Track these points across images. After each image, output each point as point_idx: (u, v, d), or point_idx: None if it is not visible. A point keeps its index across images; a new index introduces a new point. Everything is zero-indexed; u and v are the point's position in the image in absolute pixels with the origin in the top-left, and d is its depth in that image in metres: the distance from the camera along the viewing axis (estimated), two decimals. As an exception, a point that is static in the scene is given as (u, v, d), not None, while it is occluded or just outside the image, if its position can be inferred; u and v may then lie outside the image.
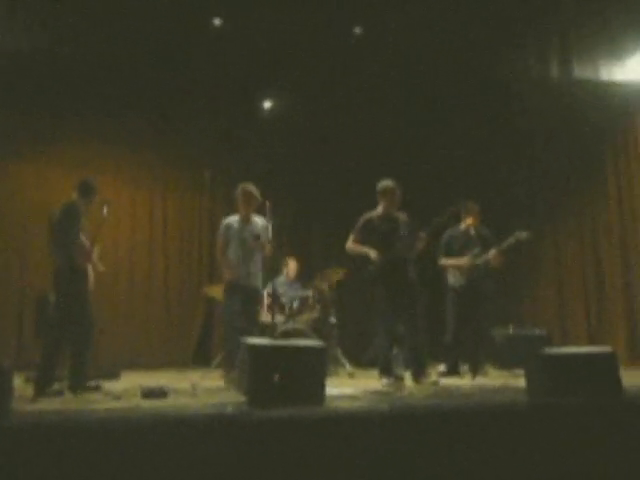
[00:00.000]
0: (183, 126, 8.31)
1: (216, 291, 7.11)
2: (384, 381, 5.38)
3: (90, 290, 5.20)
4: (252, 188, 5.58)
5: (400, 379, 5.29)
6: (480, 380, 5.74)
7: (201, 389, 5.11)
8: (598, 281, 7.50)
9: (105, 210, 5.23)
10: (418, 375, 5.29)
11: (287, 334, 6.40)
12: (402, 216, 5.70)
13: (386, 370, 5.42)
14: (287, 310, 6.64)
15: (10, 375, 3.83)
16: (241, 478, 3.66)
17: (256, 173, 8.47)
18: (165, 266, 8.52)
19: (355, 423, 3.99)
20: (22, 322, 7.42)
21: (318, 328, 6.63)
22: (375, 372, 5.60)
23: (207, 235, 8.71)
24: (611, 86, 6.57)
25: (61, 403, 4.54)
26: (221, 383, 5.49)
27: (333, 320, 6.72)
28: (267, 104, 8.32)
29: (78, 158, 7.67)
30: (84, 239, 5.13)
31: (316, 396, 4.24)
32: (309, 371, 4.26)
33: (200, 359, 8.28)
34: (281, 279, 7.31)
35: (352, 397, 4.59)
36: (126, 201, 8.26)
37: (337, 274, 6.86)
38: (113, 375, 6.12)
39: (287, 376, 4.18)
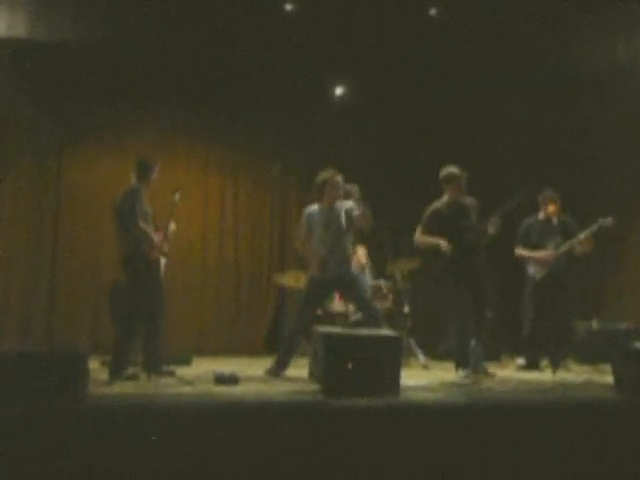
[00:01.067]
0: (254, 115, 8.26)
1: (287, 279, 7.06)
2: (461, 373, 5.22)
3: (160, 275, 5.22)
4: (340, 179, 5.29)
5: (480, 372, 5.09)
6: (562, 375, 5.47)
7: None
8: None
9: (177, 196, 5.22)
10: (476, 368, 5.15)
11: (359, 324, 6.29)
12: (470, 201, 5.52)
13: (463, 362, 5.25)
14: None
15: (86, 359, 3.86)
16: (314, 466, 3.60)
17: (326, 161, 8.46)
18: (235, 253, 8.50)
19: (431, 415, 3.87)
20: (97, 308, 7.56)
21: (391, 318, 6.48)
22: (450, 364, 5.45)
23: (278, 224, 8.68)
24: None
25: (135, 387, 4.57)
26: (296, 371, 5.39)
27: (406, 310, 6.55)
28: (338, 91, 8.15)
29: (150, 148, 7.72)
30: (146, 224, 5.10)
31: (391, 387, 4.14)
32: (384, 361, 4.16)
33: (271, 347, 8.26)
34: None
35: (428, 389, 4.45)
36: (197, 189, 8.28)
37: (410, 263, 6.70)
38: (185, 361, 6.13)
39: (362, 366, 4.09)
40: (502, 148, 7.82)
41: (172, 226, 5.30)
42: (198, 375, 5.15)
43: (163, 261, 5.21)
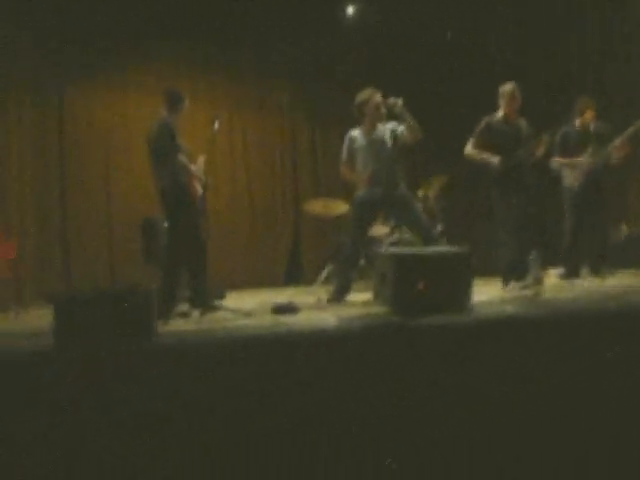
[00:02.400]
0: (262, 42, 7.91)
1: (317, 206, 6.89)
2: (511, 285, 5.16)
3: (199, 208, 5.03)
4: (379, 98, 5.06)
5: (535, 281, 5.02)
6: (612, 281, 5.45)
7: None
8: None
9: (216, 125, 4.99)
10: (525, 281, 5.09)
11: (395, 245, 6.20)
12: (522, 121, 5.46)
13: (513, 274, 5.20)
14: (392, 221, 6.37)
15: (155, 297, 3.69)
16: (390, 389, 3.52)
17: (338, 86, 8.20)
18: (248, 185, 8.31)
19: (509, 330, 3.79)
20: (112, 249, 7.39)
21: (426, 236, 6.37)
22: (492, 278, 5.43)
23: (289, 154, 8.49)
24: None
25: (195, 323, 4.43)
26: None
27: (440, 228, 6.44)
28: (348, 12, 7.80)
29: (154, 83, 7.40)
30: (183, 157, 4.89)
31: (464, 303, 4.05)
32: (455, 278, 4.05)
33: (292, 277, 8.18)
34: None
35: (497, 303, 4.37)
36: (204, 122, 7.98)
37: (441, 181, 6.56)
38: (219, 295, 5.99)
39: (433, 284, 3.98)
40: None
41: (202, 158, 5.10)
42: (251, 307, 5.03)
43: (200, 191, 5.00)
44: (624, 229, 6.93)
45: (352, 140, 5.19)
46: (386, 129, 5.09)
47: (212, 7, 7.33)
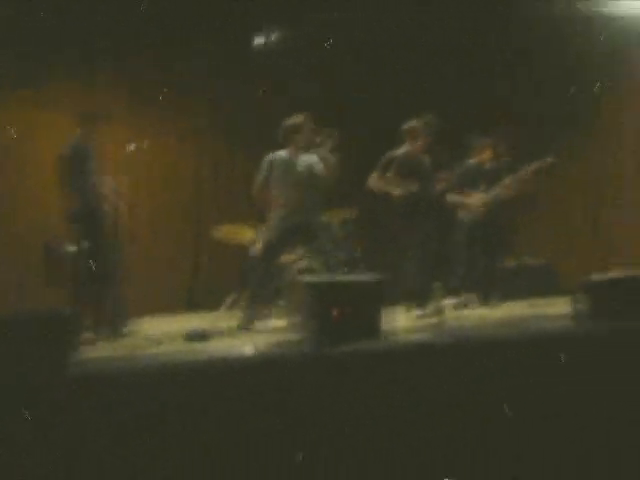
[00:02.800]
0: (170, 59, 7.85)
1: (224, 232, 6.88)
2: (418, 312, 5.39)
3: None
4: (309, 125, 5.16)
5: (436, 310, 5.26)
6: (503, 310, 5.80)
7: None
8: (596, 215, 7.63)
9: (132, 146, 4.93)
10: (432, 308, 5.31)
11: (303, 272, 6.29)
12: (425, 157, 5.79)
13: (417, 302, 5.44)
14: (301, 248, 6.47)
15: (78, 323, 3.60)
16: (308, 415, 3.60)
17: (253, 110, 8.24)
18: (151, 209, 8.18)
19: (420, 356, 3.97)
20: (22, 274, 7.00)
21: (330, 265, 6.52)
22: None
23: (192, 177, 8.44)
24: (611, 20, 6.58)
25: (105, 350, 4.32)
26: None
27: (342, 257, 6.60)
28: (263, 37, 7.90)
29: (66, 99, 7.17)
30: (98, 177, 4.82)
31: (375, 330, 4.19)
32: (367, 305, 4.18)
33: (193, 303, 8.09)
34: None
35: (407, 330, 4.55)
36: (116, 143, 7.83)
37: (346, 212, 6.76)
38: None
39: (346, 311, 4.10)
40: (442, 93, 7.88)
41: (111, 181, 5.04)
42: (160, 333, 4.96)
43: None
44: (511, 261, 7.40)
45: (273, 163, 5.18)
46: (311, 157, 5.19)
47: (129, 25, 7.20)
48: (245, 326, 5.01)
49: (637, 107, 7.08)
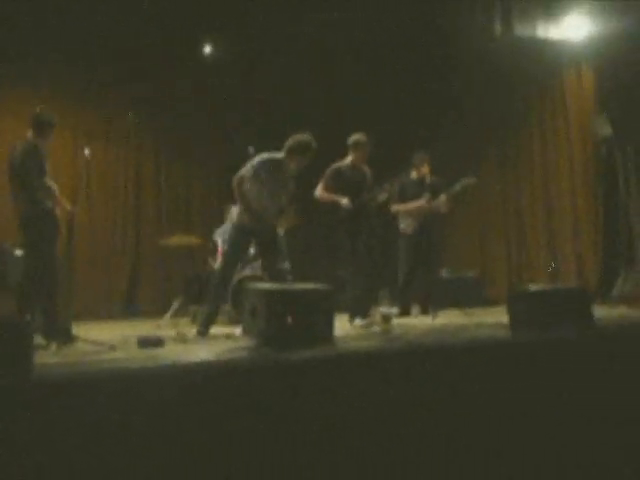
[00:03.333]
0: (109, 70, 7.84)
1: (172, 240, 6.90)
2: (357, 321, 5.56)
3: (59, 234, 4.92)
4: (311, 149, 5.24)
5: (382, 318, 5.45)
6: (441, 319, 6.06)
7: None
8: (520, 228, 8.09)
9: (87, 152, 4.91)
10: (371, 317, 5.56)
11: (245, 280, 6.39)
12: (366, 168, 5.98)
13: (359, 311, 5.61)
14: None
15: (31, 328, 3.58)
16: (268, 420, 3.71)
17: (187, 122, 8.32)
18: (90, 216, 8.09)
19: (369, 362, 4.15)
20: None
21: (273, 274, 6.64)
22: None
23: (133, 183, 8.40)
24: (547, 44, 7.02)
25: (56, 356, 4.30)
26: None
27: (287, 266, 6.75)
28: (205, 49, 7.99)
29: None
30: (49, 180, 4.81)
31: (326, 337, 4.36)
32: (320, 313, 4.35)
33: (131, 310, 8.06)
34: (225, 227, 7.21)
35: (358, 337, 4.73)
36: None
37: (291, 220, 6.89)
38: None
39: (299, 318, 4.25)
40: (374, 112, 8.17)
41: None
42: (108, 339, 4.95)
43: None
44: (444, 272, 7.74)
45: (267, 165, 5.23)
46: (291, 177, 5.38)
47: (62, 31, 7.16)
48: (202, 331, 5.07)
49: (559, 128, 7.58)
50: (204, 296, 6.53)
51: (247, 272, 6.56)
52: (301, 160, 5.25)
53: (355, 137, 5.89)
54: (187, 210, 8.64)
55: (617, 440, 4.12)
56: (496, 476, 3.87)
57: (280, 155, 5.29)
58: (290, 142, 5.23)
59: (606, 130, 6.83)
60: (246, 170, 5.25)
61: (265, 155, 5.28)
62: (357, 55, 7.61)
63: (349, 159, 5.91)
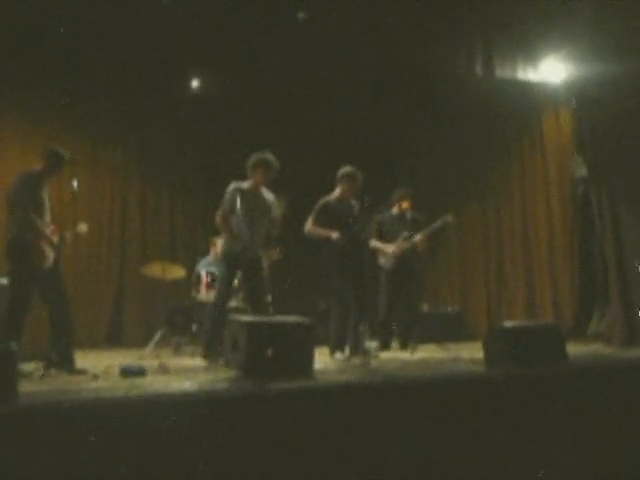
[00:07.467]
0: (96, 103, 7.99)
1: (154, 269, 6.96)
2: (338, 355, 5.65)
3: (44, 268, 4.96)
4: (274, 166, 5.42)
5: (363, 352, 5.52)
6: (420, 354, 6.15)
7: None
8: (499, 264, 8.25)
9: (75, 184, 5.00)
10: (356, 351, 5.58)
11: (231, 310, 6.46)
12: (353, 201, 6.01)
13: (340, 346, 5.69)
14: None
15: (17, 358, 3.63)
16: (242, 451, 3.78)
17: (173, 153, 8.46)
18: (74, 244, 8.10)
19: (351, 394, 4.23)
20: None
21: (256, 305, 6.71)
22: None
23: (118, 212, 8.48)
24: (526, 85, 7.26)
25: (41, 385, 4.35)
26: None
27: (269, 298, 6.82)
28: (192, 83, 8.17)
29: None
30: (45, 214, 4.88)
31: (306, 369, 4.44)
32: (300, 346, 4.44)
33: (113, 340, 8.08)
34: (209, 258, 7.30)
35: (337, 370, 4.82)
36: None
37: (274, 254, 6.98)
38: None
39: (280, 351, 4.33)
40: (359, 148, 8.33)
41: (83, 227, 5.17)
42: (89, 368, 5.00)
43: (49, 252, 4.94)
44: (425, 307, 7.87)
45: (239, 193, 5.36)
46: (270, 199, 5.48)
47: (50, 57, 7.32)
48: (213, 359, 5.15)
49: (538, 167, 7.79)
50: (187, 327, 6.64)
51: (232, 303, 6.62)
52: (263, 174, 5.39)
53: (344, 170, 5.93)
54: (172, 241, 8.71)
55: (590, 475, 4.23)
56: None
57: (246, 183, 5.44)
58: (248, 161, 5.42)
59: (583, 170, 7.04)
60: (222, 203, 5.42)
61: (231, 185, 5.43)
62: (341, 92, 7.81)
63: (337, 192, 5.95)
